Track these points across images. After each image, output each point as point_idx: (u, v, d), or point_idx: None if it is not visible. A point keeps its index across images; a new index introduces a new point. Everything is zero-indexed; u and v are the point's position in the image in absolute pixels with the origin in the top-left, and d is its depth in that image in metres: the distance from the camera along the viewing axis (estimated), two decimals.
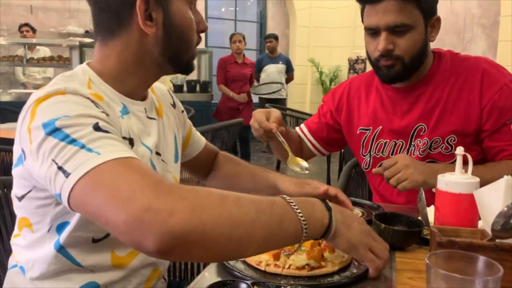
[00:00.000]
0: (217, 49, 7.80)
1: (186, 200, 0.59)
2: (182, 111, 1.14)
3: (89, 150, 0.65)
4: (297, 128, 1.55)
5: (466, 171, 0.88)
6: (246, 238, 0.63)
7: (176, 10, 0.84)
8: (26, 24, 5.72)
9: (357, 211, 1.20)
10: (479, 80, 1.24)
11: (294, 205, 0.69)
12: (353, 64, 7.24)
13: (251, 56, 8.44)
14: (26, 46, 4.78)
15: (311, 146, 1.51)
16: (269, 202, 0.67)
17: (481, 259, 0.60)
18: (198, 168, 1.22)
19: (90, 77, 0.85)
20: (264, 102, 5.91)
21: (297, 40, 7.82)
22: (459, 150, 0.87)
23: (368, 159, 1.40)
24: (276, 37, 6.33)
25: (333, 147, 1.55)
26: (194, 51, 0.91)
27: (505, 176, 0.71)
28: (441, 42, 6.33)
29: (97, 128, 0.68)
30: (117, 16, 0.82)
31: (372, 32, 1.23)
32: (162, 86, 1.09)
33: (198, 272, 1.33)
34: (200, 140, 1.21)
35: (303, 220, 0.68)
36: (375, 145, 1.37)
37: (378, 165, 1.25)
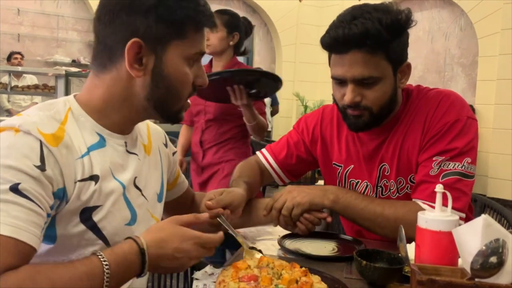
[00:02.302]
0: None
1: None
2: (174, 153, 1.13)
3: None
4: (260, 156, 1.49)
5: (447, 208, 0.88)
6: None
7: (170, 61, 0.84)
8: (18, 53, 5.76)
9: (333, 245, 1.20)
10: (432, 112, 1.19)
11: (105, 262, 0.74)
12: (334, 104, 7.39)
13: None
14: (11, 74, 4.76)
15: (274, 175, 1.47)
16: (85, 272, 0.72)
17: None
18: (176, 210, 1.16)
19: (71, 107, 0.85)
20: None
21: (282, 74, 7.93)
22: (439, 188, 0.88)
23: None
24: None
25: (297, 177, 1.52)
26: (184, 103, 0.90)
27: (483, 215, 0.71)
28: (422, 80, 6.50)
29: (14, 189, 0.69)
30: (110, 51, 0.84)
31: (338, 81, 1.19)
32: (158, 128, 1.09)
33: None
34: (185, 181, 1.21)
35: (107, 275, 0.73)
36: (348, 184, 1.35)
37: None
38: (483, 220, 0.70)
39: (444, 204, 0.87)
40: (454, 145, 1.15)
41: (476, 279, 0.72)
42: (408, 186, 1.24)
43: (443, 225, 0.85)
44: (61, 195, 0.77)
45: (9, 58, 5.75)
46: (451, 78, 6.35)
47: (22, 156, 0.71)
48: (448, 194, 0.87)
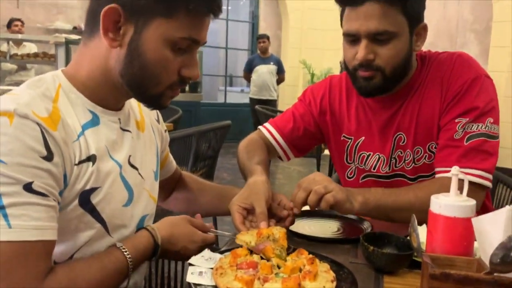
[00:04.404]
0: (209, 49, 7.71)
1: None
2: (165, 131, 1.10)
3: (5, 215, 0.64)
4: (263, 131, 1.39)
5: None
6: None
7: (149, 38, 0.77)
8: (19, 19, 5.61)
9: (337, 225, 1.15)
10: (448, 73, 1.16)
11: (129, 259, 0.82)
12: (344, 67, 7.22)
13: (243, 56, 8.37)
14: (10, 42, 4.66)
15: (280, 150, 1.38)
16: (114, 269, 0.80)
17: None
18: (163, 190, 1.13)
19: (60, 83, 0.81)
20: (255, 103, 5.85)
21: (289, 41, 7.75)
22: (455, 170, 0.81)
23: (353, 167, 1.32)
24: (268, 38, 6.29)
25: (303, 153, 1.44)
26: (163, 90, 0.82)
27: (507, 206, 0.64)
28: (433, 46, 6.25)
29: (28, 189, 0.66)
30: (95, 16, 0.78)
31: (351, 38, 1.14)
32: None
33: None
34: (173, 162, 1.18)
35: (131, 269, 0.82)
36: (358, 156, 1.29)
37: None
38: (507, 212, 0.63)
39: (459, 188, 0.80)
40: (476, 104, 1.12)
41: (495, 274, 0.66)
42: (426, 156, 1.19)
43: (459, 211, 0.78)
44: (64, 181, 0.74)
45: (9, 25, 5.60)
46: (463, 45, 6.14)
47: (27, 149, 0.67)
48: (465, 179, 0.80)
